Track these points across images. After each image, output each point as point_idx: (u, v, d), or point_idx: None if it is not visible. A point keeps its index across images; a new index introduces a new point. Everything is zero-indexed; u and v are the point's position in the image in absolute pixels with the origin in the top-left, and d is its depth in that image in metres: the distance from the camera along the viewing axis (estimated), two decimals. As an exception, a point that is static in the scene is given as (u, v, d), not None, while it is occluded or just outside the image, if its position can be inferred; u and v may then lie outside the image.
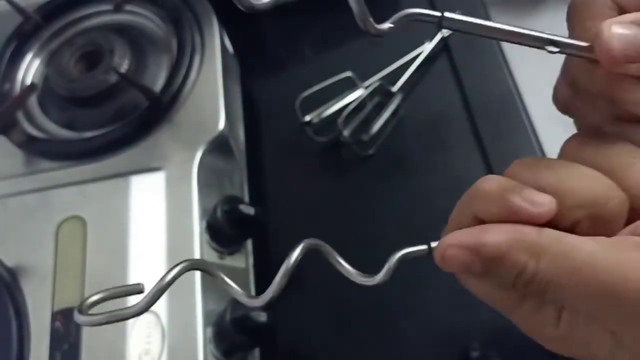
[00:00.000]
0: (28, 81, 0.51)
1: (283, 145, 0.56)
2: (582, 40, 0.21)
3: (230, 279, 0.24)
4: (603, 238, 0.19)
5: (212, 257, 0.42)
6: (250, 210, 0.44)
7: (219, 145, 0.45)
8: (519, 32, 0.22)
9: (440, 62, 0.57)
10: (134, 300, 0.22)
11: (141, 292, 0.22)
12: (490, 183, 0.21)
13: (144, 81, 0.48)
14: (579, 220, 0.20)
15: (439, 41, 0.57)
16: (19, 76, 0.51)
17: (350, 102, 0.53)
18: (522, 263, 0.19)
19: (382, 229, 0.50)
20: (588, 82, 0.22)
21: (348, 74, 0.54)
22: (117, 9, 0.53)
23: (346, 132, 0.51)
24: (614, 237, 0.19)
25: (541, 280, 0.19)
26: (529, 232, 0.19)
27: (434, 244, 0.23)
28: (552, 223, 0.20)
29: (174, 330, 0.37)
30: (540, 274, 0.19)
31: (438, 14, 0.22)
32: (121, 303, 0.22)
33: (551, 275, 0.19)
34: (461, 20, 0.22)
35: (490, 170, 0.50)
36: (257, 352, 0.45)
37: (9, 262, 0.41)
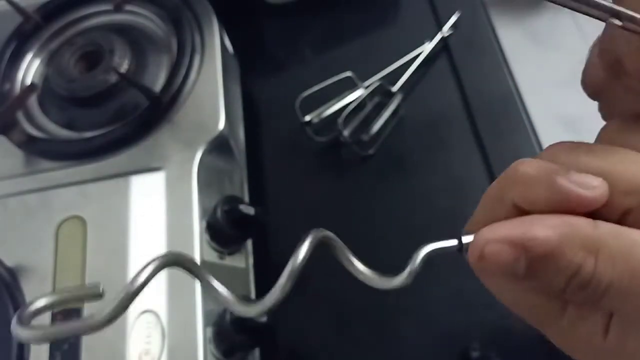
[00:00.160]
0: (28, 81, 0.51)
1: (283, 145, 0.56)
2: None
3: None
4: None
5: (212, 257, 0.42)
6: (250, 210, 0.44)
7: (219, 145, 0.45)
8: None
9: (440, 62, 0.57)
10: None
11: (100, 297, 0.18)
12: (531, 165, 0.18)
13: (144, 81, 0.48)
14: (630, 210, 0.17)
15: (439, 41, 0.57)
16: (19, 76, 0.52)
17: (350, 102, 0.53)
18: (577, 261, 0.16)
19: (382, 228, 0.50)
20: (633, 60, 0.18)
21: (348, 74, 0.54)
22: (117, 9, 0.53)
23: (346, 132, 0.51)
24: None
25: (600, 283, 0.16)
26: (584, 225, 0.17)
27: (466, 239, 0.20)
28: (600, 213, 0.17)
29: (174, 330, 0.37)
30: (599, 275, 0.16)
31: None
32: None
33: (611, 276, 0.16)
34: None
35: (490, 170, 0.50)
36: (257, 352, 0.45)
37: (9, 262, 0.41)
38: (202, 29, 0.50)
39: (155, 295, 0.38)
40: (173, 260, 0.19)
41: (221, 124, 0.45)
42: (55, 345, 0.38)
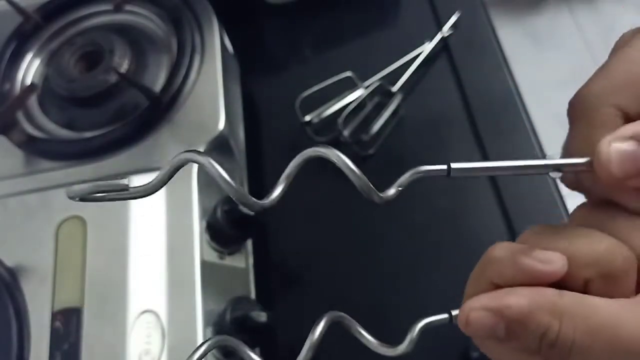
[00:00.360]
0: (28, 81, 0.51)
1: (283, 145, 0.56)
2: (581, 148, 0.22)
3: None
4: (623, 299, 0.20)
5: (212, 257, 0.42)
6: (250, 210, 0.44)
7: (219, 145, 0.45)
8: (522, 165, 0.22)
9: (440, 62, 0.57)
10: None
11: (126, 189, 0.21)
12: (500, 249, 0.21)
13: (144, 81, 0.48)
14: (590, 279, 0.20)
15: (439, 41, 0.57)
16: (19, 76, 0.52)
17: (350, 102, 0.53)
18: (545, 324, 0.19)
19: (381, 228, 0.50)
20: (591, 185, 0.23)
21: (348, 74, 0.54)
22: (117, 9, 0.53)
23: (346, 132, 0.51)
24: (633, 298, 0.20)
25: (565, 341, 0.19)
26: (550, 294, 0.20)
27: (454, 312, 0.24)
28: (565, 284, 0.20)
29: (174, 330, 0.37)
30: (563, 335, 0.19)
31: (444, 167, 0.23)
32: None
33: (574, 335, 0.19)
34: (468, 168, 0.23)
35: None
36: (257, 352, 0.45)
37: (9, 262, 0.41)
38: (202, 29, 0.50)
39: (155, 295, 0.38)
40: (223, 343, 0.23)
41: (221, 124, 0.45)
42: (55, 345, 0.38)
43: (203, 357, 0.22)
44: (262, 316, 0.40)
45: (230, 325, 0.39)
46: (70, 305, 0.39)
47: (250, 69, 0.58)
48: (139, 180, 0.43)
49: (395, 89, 0.54)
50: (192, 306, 0.37)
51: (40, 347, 0.38)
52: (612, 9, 1.71)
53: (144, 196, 0.21)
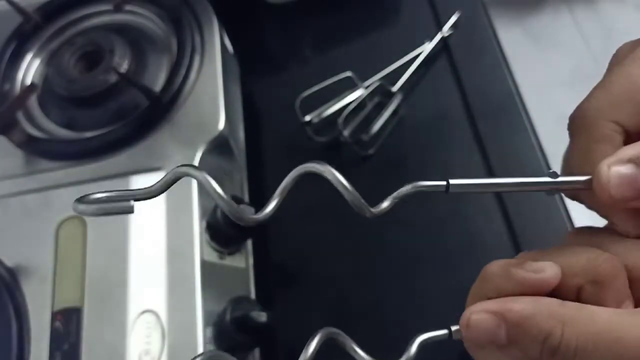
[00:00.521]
0: (28, 81, 0.51)
1: (283, 145, 0.56)
2: (581, 162, 0.23)
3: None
4: (622, 310, 0.20)
5: (212, 257, 0.42)
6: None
7: (219, 145, 0.45)
8: (522, 182, 0.23)
9: (440, 62, 0.57)
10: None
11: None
12: (494, 265, 0.22)
13: (144, 81, 0.48)
14: (582, 287, 0.21)
15: (439, 41, 0.57)
16: (19, 76, 0.52)
17: (350, 102, 0.53)
18: (547, 329, 0.20)
19: (381, 228, 0.50)
20: (588, 201, 0.23)
21: (348, 74, 0.54)
22: (117, 9, 0.53)
23: (346, 132, 0.51)
24: (633, 309, 0.20)
25: (568, 347, 0.19)
26: (552, 302, 0.20)
27: (454, 328, 0.24)
28: (560, 295, 0.21)
29: (174, 330, 0.37)
30: (566, 341, 0.19)
31: (443, 182, 0.23)
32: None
33: (577, 341, 0.19)
34: (467, 184, 0.23)
35: (490, 171, 0.50)
36: (257, 352, 0.45)
37: (9, 262, 0.41)
38: (202, 29, 0.50)
39: (155, 295, 0.38)
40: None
41: (221, 124, 0.45)
42: (55, 345, 0.38)
43: None
44: (262, 316, 0.40)
45: (230, 325, 0.39)
46: (70, 305, 0.39)
47: (250, 69, 0.58)
48: (139, 181, 0.43)
49: (395, 89, 0.54)
50: (192, 306, 0.37)
51: (40, 347, 0.38)
52: (612, 9, 1.71)
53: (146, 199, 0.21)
